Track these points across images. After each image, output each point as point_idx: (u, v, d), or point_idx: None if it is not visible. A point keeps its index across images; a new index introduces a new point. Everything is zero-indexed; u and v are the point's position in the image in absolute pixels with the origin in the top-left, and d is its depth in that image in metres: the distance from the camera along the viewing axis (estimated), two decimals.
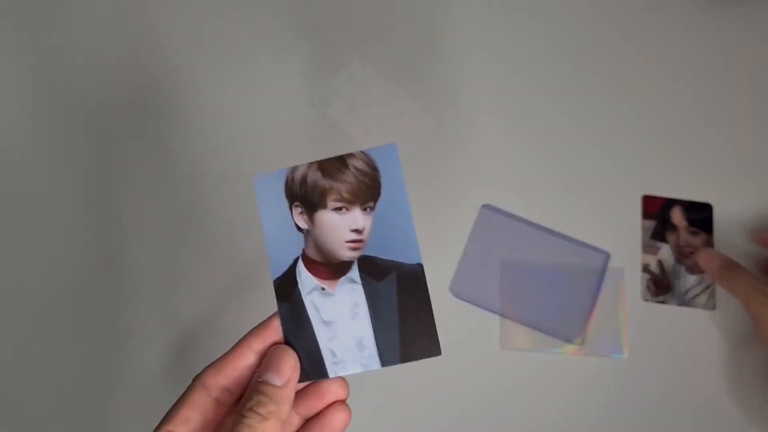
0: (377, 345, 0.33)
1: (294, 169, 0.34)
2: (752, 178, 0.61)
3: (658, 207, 0.60)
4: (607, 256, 0.59)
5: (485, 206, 0.60)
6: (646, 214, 0.60)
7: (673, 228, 0.60)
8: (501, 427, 0.56)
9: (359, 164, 0.34)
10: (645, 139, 0.63)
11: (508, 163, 0.62)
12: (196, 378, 0.33)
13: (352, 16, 0.66)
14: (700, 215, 0.60)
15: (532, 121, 0.63)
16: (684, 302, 0.58)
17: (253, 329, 0.34)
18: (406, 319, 0.33)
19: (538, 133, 0.63)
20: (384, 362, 0.33)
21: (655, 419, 0.56)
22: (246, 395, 0.32)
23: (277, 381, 0.32)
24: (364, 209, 0.34)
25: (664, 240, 0.60)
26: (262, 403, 0.31)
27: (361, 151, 0.34)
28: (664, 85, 0.64)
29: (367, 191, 0.34)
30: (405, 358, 0.33)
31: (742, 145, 0.62)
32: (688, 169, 0.62)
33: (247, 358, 0.33)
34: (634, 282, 0.59)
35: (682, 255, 0.59)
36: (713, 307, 0.58)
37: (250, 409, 0.31)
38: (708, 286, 0.59)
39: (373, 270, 0.33)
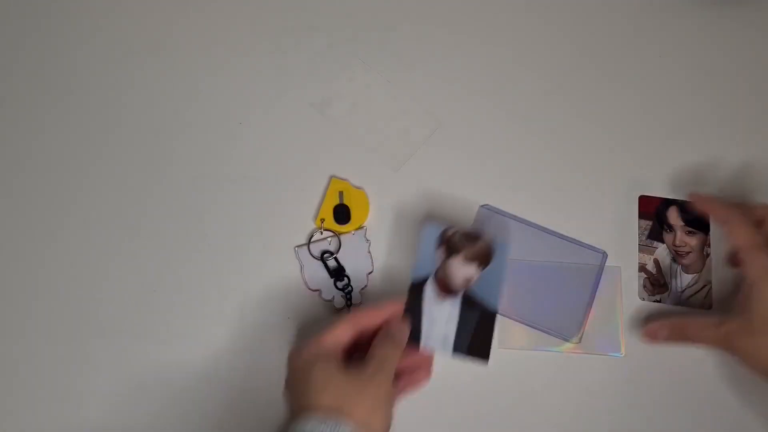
0: (454, 341, 0.53)
1: (450, 227, 0.54)
2: (750, 178, 0.62)
3: (655, 207, 0.61)
4: (605, 255, 0.59)
5: (484, 206, 0.61)
6: (643, 213, 0.61)
7: (670, 228, 0.60)
8: (499, 425, 0.57)
9: (486, 243, 0.54)
10: (643, 139, 0.63)
11: (508, 163, 0.62)
12: (349, 315, 0.52)
13: (352, 17, 0.66)
14: (695, 215, 0.60)
15: (531, 121, 0.63)
16: (680, 301, 0.59)
17: (390, 301, 0.53)
18: (476, 335, 0.52)
19: (537, 133, 0.63)
20: (453, 353, 0.52)
21: (653, 417, 0.57)
22: (381, 333, 0.52)
23: (396, 331, 0.52)
24: (479, 266, 0.53)
25: (660, 240, 0.60)
26: (391, 337, 0.51)
27: (490, 238, 0.54)
28: (663, 84, 0.64)
29: (484, 258, 0.54)
30: (466, 354, 0.52)
31: (741, 144, 0.62)
32: (686, 170, 0.62)
33: (381, 316, 0.53)
34: (631, 281, 0.60)
35: (678, 255, 0.60)
36: (710, 307, 0.58)
37: (384, 337, 0.51)
38: (704, 285, 0.59)
39: (469, 301, 0.53)
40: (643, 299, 0.59)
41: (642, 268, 0.60)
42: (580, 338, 0.58)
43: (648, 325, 0.57)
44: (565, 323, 0.58)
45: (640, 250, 0.60)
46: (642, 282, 0.59)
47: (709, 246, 0.60)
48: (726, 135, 0.63)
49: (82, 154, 0.63)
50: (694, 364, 0.58)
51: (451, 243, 0.53)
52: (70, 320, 0.59)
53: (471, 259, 0.53)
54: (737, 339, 0.50)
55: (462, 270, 0.52)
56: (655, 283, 0.59)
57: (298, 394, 0.50)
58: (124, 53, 0.65)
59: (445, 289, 0.53)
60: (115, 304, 0.59)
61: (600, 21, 0.66)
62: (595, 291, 0.59)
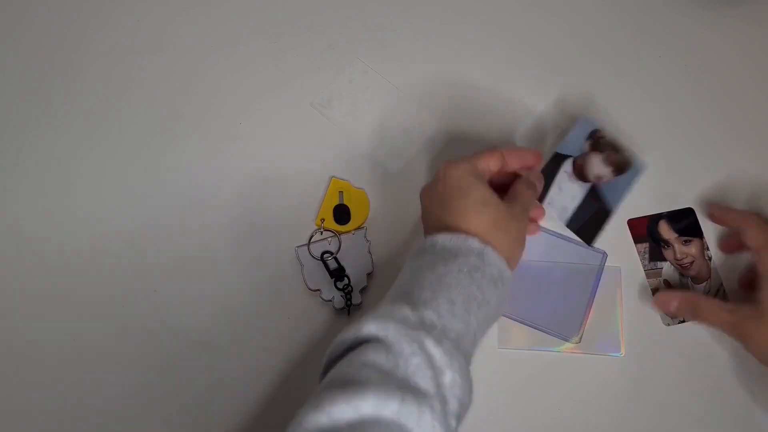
0: (571, 216, 0.58)
1: (602, 129, 0.60)
2: (749, 180, 0.62)
3: (645, 227, 0.60)
4: (605, 255, 0.60)
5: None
6: (636, 237, 0.60)
7: (666, 244, 0.60)
8: (499, 425, 0.57)
9: (626, 156, 0.60)
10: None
11: None
12: (497, 148, 0.54)
13: (352, 17, 0.66)
14: (685, 222, 0.60)
15: (530, 122, 0.64)
16: None
17: (533, 149, 0.57)
18: (589, 221, 0.59)
19: (536, 133, 0.63)
20: (567, 224, 0.59)
21: (653, 417, 0.57)
22: (524, 178, 0.54)
23: (536, 182, 0.55)
24: (613, 172, 0.59)
25: (662, 258, 0.60)
26: (533, 185, 0.54)
27: (631, 154, 0.60)
28: (662, 86, 0.64)
29: (619, 167, 0.59)
30: (576, 231, 0.59)
31: (741, 146, 0.62)
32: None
33: (524, 159, 0.55)
34: (630, 280, 0.60)
35: (683, 268, 0.59)
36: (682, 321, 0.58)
37: (529, 183, 0.54)
38: (718, 289, 0.59)
39: (594, 193, 0.59)
40: (669, 325, 0.58)
41: (655, 293, 0.59)
42: (580, 338, 0.58)
43: (660, 294, 0.58)
44: (565, 323, 0.58)
45: (647, 276, 0.59)
46: None
47: (708, 249, 0.60)
48: (722, 135, 0.63)
49: (82, 154, 0.63)
50: (694, 364, 0.58)
51: (598, 142, 0.60)
52: (72, 319, 0.59)
53: (609, 163, 0.59)
54: (745, 325, 0.53)
55: (598, 167, 0.59)
56: None
57: (452, 209, 0.50)
58: (124, 53, 0.65)
59: (580, 174, 0.59)
60: (114, 305, 0.59)
61: (599, 21, 0.66)
62: (595, 291, 0.59)
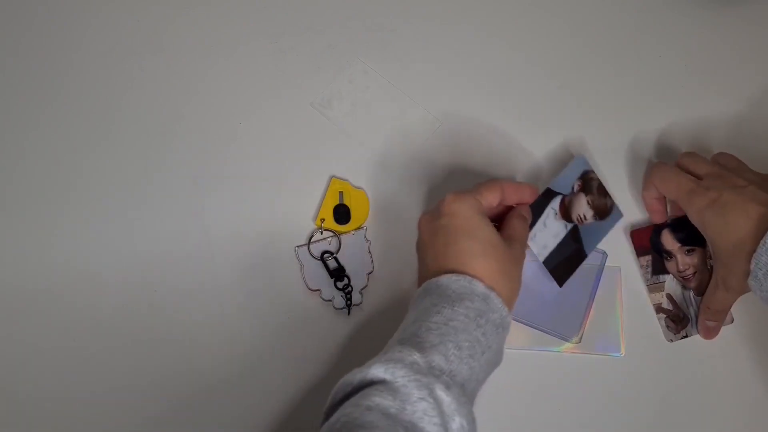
0: (548, 254, 0.57)
1: (593, 172, 0.60)
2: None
3: (647, 238, 0.59)
4: (605, 255, 0.60)
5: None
6: (638, 250, 0.59)
7: (669, 255, 0.59)
8: (498, 425, 0.57)
9: (609, 202, 0.60)
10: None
11: (509, 163, 0.63)
12: (496, 181, 0.53)
13: (352, 17, 0.66)
14: (688, 231, 0.58)
15: (531, 121, 0.64)
16: None
17: (527, 184, 0.57)
18: (564, 262, 0.58)
19: (537, 133, 0.63)
20: (543, 262, 0.57)
21: (653, 417, 0.57)
22: (517, 213, 0.54)
23: (527, 216, 0.55)
24: (594, 215, 0.59)
25: (665, 271, 0.59)
26: (525, 220, 0.55)
27: (614, 203, 0.60)
28: (662, 86, 0.64)
29: (601, 212, 0.59)
30: (550, 270, 0.57)
31: (743, 148, 0.62)
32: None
33: (521, 194, 0.55)
34: (630, 280, 0.59)
35: (685, 279, 0.58)
36: (731, 321, 0.58)
37: (523, 220, 0.55)
38: None
39: (575, 233, 0.58)
40: (671, 341, 0.58)
41: (658, 308, 0.58)
42: (580, 338, 0.58)
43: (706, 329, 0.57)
44: (565, 323, 0.58)
45: (650, 291, 0.59)
46: (664, 323, 0.58)
47: (710, 258, 0.58)
48: (726, 136, 0.63)
49: (82, 153, 0.63)
50: (694, 364, 0.58)
51: (587, 183, 0.59)
52: (68, 325, 0.59)
53: (593, 206, 0.59)
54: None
55: (582, 208, 0.58)
56: (676, 319, 0.58)
57: (458, 249, 0.49)
58: (124, 53, 0.65)
59: (564, 212, 0.58)
60: (115, 305, 0.59)
61: (599, 21, 0.66)
62: (595, 291, 0.59)
